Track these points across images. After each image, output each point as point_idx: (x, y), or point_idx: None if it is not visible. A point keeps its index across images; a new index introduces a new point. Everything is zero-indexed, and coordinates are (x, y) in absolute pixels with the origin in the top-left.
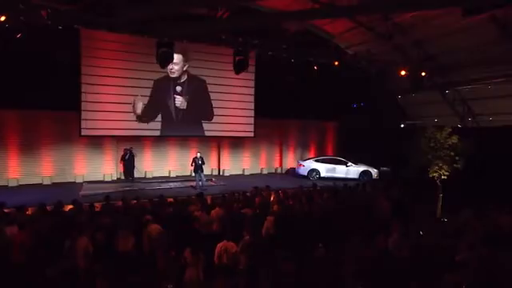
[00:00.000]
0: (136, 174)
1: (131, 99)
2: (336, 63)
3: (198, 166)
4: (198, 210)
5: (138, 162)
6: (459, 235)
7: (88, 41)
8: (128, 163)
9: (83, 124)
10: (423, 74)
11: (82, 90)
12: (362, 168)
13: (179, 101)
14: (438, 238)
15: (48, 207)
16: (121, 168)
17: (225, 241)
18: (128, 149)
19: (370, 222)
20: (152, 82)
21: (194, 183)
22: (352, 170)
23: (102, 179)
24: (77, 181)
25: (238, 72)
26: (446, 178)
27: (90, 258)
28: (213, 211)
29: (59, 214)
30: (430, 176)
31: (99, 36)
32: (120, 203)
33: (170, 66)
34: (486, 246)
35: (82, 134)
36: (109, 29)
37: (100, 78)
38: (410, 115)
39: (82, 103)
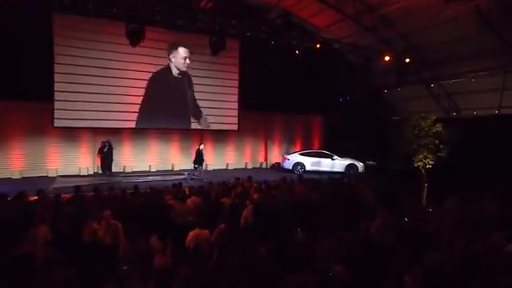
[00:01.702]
0: (114, 168)
1: (110, 89)
2: (318, 46)
3: (200, 158)
4: (173, 199)
5: (117, 155)
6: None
7: (61, 29)
8: (106, 156)
9: (56, 114)
10: (407, 60)
11: (56, 80)
12: (347, 161)
13: (172, 94)
14: (422, 224)
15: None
16: (98, 161)
17: (197, 229)
18: (106, 141)
19: (354, 211)
20: (130, 72)
21: (178, 176)
22: (338, 164)
23: (77, 173)
24: (50, 175)
25: (215, 53)
26: (430, 167)
27: (48, 246)
28: (189, 200)
29: (21, 203)
30: (415, 166)
31: (73, 23)
32: (91, 194)
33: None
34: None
35: (55, 125)
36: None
37: (75, 67)
38: (396, 110)
39: (55, 93)
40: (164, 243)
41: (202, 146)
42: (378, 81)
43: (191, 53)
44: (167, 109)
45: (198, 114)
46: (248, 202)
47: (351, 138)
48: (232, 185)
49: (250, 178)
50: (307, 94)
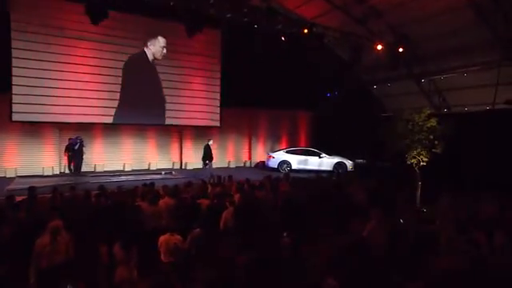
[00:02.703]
0: (84, 168)
1: (77, 79)
2: (306, 31)
3: (209, 154)
4: (143, 200)
5: (87, 153)
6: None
7: (19, 7)
8: (77, 155)
9: (15, 107)
10: (401, 49)
11: (14, 71)
12: (336, 160)
13: (149, 83)
14: (417, 225)
15: None
16: (65, 160)
17: (168, 234)
18: (75, 138)
19: (344, 212)
20: (97, 59)
21: (155, 176)
22: (325, 162)
23: (40, 173)
24: (8, 175)
25: (190, 34)
26: (425, 164)
27: None
28: (161, 201)
29: None
30: (408, 163)
31: (32, 3)
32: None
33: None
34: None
35: (14, 119)
36: None
37: (36, 53)
38: (385, 107)
39: (14, 83)
40: (128, 252)
41: (210, 142)
42: (366, 77)
43: (168, 43)
44: (144, 100)
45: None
46: (228, 204)
47: (339, 135)
48: (211, 184)
49: (230, 176)
50: (293, 88)
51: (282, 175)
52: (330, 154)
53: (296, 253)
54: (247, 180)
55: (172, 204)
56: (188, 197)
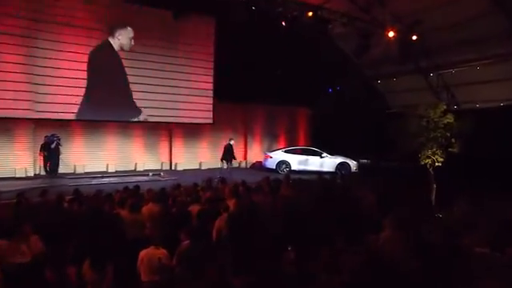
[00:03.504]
0: (62, 169)
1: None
2: (310, 14)
3: (230, 155)
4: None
5: (66, 153)
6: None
7: None
8: (53, 155)
9: None
10: (414, 37)
11: None
12: (338, 160)
13: (120, 76)
14: (442, 236)
15: None
16: (41, 161)
17: (152, 247)
18: (50, 136)
19: (353, 219)
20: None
21: (142, 178)
22: (327, 162)
23: (12, 175)
24: None
25: (176, 16)
26: (440, 164)
27: None
28: (144, 208)
29: None
30: (422, 163)
31: None
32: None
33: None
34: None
35: None
36: None
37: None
38: (390, 103)
39: None
40: (100, 272)
41: (232, 141)
42: (370, 71)
43: (154, 32)
44: (113, 95)
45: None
46: (222, 210)
47: (342, 134)
48: (201, 188)
49: (223, 178)
50: (293, 83)
51: (281, 177)
52: (331, 153)
53: (302, 270)
54: (243, 182)
55: (157, 211)
56: (177, 202)
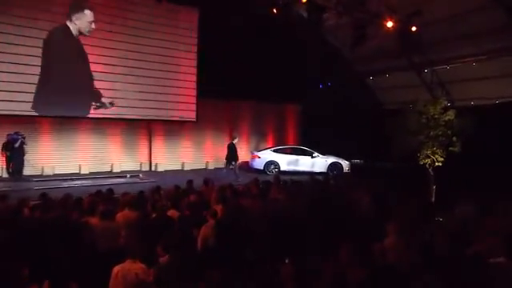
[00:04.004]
0: (28, 171)
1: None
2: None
3: (234, 155)
4: (95, 213)
5: (32, 153)
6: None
7: None
8: (17, 155)
9: None
10: (414, 28)
11: None
12: (330, 160)
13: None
14: (448, 243)
15: None
16: (3, 162)
17: (128, 260)
18: (12, 134)
19: (352, 225)
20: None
21: (119, 180)
22: (319, 162)
23: None
24: None
25: None
26: (440, 164)
27: None
28: (119, 214)
29: None
30: (421, 163)
31: None
32: None
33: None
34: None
35: None
36: None
37: None
38: (382, 100)
39: None
40: None
41: (235, 140)
42: (361, 67)
43: (131, 19)
44: (79, 86)
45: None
46: (209, 216)
47: (333, 132)
48: (184, 191)
49: (207, 180)
50: (281, 79)
51: (271, 178)
52: (323, 153)
53: (302, 286)
54: (230, 185)
55: (134, 218)
56: (157, 207)
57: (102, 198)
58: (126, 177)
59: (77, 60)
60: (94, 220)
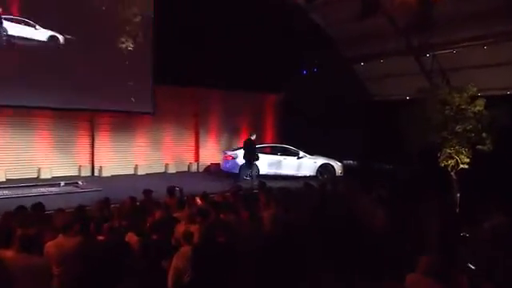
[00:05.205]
0: None
1: None
2: None
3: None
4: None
5: None
6: None
7: None
8: None
9: None
10: None
11: None
12: (320, 161)
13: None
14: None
15: None
16: None
17: None
18: None
19: (369, 250)
20: None
21: (49, 189)
22: (306, 164)
23: None
24: None
25: None
26: (466, 166)
27: None
28: (49, 244)
29: None
30: (442, 165)
31: None
32: None
33: None
34: None
35: None
36: None
37: None
38: (372, 90)
39: None
40: None
41: (253, 137)
42: (349, 52)
43: None
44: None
45: None
46: (182, 240)
47: (319, 127)
48: (142, 206)
49: (172, 189)
50: (258, 63)
51: (253, 185)
52: (310, 153)
53: None
54: (205, 194)
55: (72, 247)
56: (106, 229)
57: (23, 218)
58: (59, 185)
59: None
60: (9, 253)
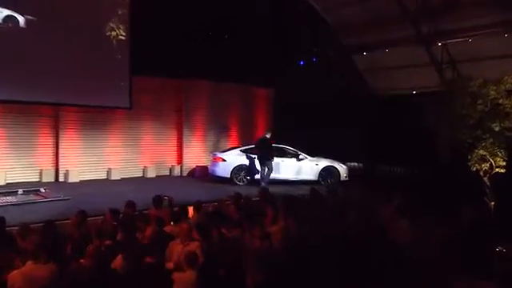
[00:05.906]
0: None
1: None
2: None
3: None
4: None
5: None
6: None
7: None
8: None
9: None
10: None
11: None
12: (322, 163)
13: None
14: None
15: None
16: None
17: None
18: None
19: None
20: None
21: (7, 198)
22: (307, 167)
23: None
24: None
25: None
26: (503, 171)
27: None
28: (14, 273)
29: None
30: (474, 169)
31: None
32: None
33: None
34: None
35: None
36: None
37: None
38: (373, 84)
39: None
40: None
41: (268, 135)
42: (349, 39)
43: None
44: None
45: None
46: (185, 263)
47: (319, 125)
48: (129, 220)
49: (159, 199)
50: (249, 52)
51: (245, 191)
52: (311, 154)
53: None
54: (199, 203)
55: (43, 278)
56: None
57: None
58: (16, 193)
59: None
60: None
